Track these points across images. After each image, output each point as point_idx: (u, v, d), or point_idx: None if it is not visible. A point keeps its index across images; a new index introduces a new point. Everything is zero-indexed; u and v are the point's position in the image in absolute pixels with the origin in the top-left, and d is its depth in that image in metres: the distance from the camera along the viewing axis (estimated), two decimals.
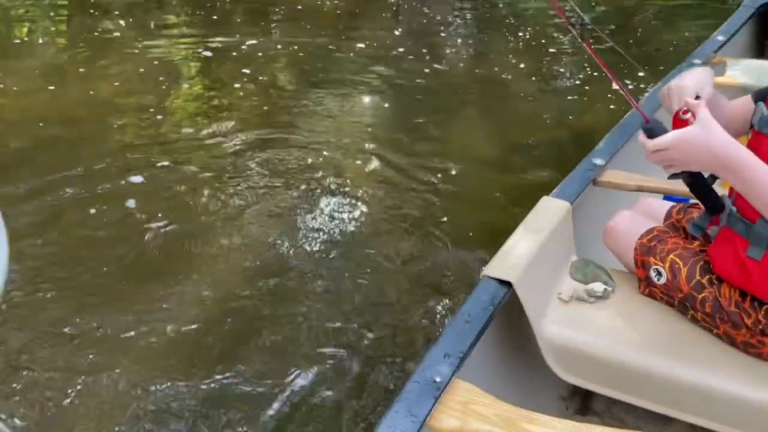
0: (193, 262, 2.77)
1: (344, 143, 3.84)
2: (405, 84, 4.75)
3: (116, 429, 1.99)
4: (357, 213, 3.16)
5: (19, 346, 2.27)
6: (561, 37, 5.64)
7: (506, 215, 2.96)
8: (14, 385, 2.12)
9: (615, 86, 1.94)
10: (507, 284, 1.54)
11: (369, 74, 4.89)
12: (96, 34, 5.67)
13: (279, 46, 5.39)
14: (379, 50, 5.37)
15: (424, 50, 5.38)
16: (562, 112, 4.25)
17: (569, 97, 4.49)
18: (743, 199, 1.34)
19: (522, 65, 5.06)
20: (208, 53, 5.28)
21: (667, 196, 2.10)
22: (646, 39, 5.74)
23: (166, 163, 3.52)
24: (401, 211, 3.16)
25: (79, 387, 2.12)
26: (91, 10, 6.34)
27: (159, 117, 4.11)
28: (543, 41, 5.59)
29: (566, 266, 1.77)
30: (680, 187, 1.55)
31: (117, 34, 5.73)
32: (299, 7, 6.55)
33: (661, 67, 4.33)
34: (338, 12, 6.58)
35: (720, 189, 1.51)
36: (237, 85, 4.64)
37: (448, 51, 5.57)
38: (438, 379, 1.27)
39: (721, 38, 3.29)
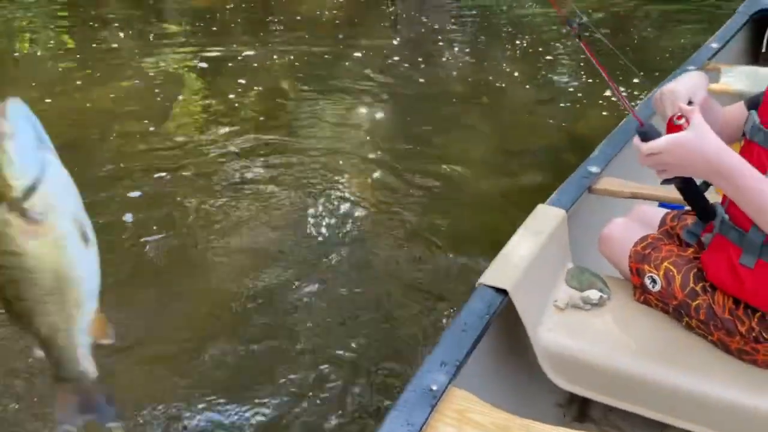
0: (187, 269, 2.79)
1: (343, 150, 3.86)
2: (403, 92, 4.77)
3: None
4: (356, 219, 3.17)
5: None
6: (558, 44, 5.67)
7: (506, 220, 2.96)
8: None
9: (610, 93, 1.95)
10: (503, 292, 1.55)
11: (367, 82, 4.91)
12: (95, 45, 5.70)
13: (277, 56, 5.41)
14: (378, 59, 5.39)
15: (422, 58, 5.40)
16: (559, 119, 4.26)
17: (566, 104, 4.51)
18: (736, 207, 1.34)
19: (518, 73, 5.08)
20: (207, 64, 5.29)
21: (662, 203, 2.11)
22: (641, 45, 5.75)
23: (164, 174, 3.53)
24: (400, 216, 3.18)
25: None
26: (91, 22, 6.38)
27: (157, 128, 4.12)
28: (540, 49, 5.61)
29: (562, 274, 1.78)
30: (675, 194, 1.56)
31: (115, 45, 5.76)
32: (298, 17, 6.58)
33: (657, 73, 4.35)
34: (337, 22, 6.61)
35: (713, 197, 1.52)
36: (236, 95, 4.66)
37: (445, 59, 5.59)
38: (434, 388, 1.28)
39: (715, 45, 3.30)
